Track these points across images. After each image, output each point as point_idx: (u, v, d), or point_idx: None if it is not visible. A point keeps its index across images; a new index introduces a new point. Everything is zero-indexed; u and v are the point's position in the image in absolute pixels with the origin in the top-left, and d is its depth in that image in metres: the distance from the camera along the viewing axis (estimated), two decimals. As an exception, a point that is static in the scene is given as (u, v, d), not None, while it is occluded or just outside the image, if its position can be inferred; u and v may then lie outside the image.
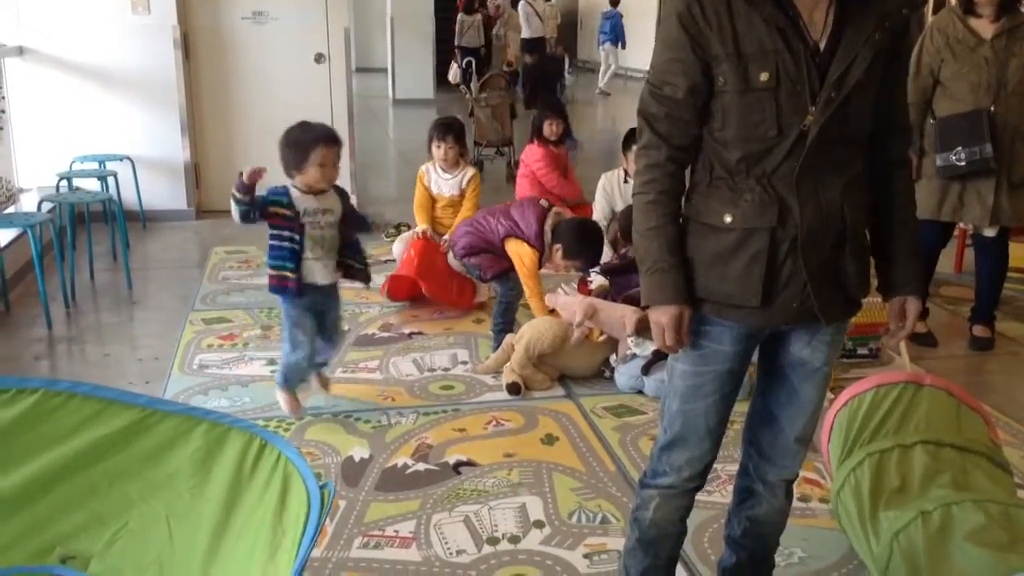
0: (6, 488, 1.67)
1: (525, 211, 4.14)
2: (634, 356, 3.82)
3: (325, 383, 3.67)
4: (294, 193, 3.23)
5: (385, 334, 4.38)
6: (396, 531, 2.73)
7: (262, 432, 1.78)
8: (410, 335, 4.38)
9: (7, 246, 5.02)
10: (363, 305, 4.80)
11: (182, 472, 1.73)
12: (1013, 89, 3.89)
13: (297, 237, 3.22)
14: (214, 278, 5.31)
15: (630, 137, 4.98)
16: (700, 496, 2.94)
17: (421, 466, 3.13)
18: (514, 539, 2.70)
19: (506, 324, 4.18)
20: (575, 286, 4.92)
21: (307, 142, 3.20)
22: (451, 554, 2.62)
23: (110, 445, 1.73)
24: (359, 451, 3.21)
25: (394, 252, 5.24)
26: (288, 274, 3.26)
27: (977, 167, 3.89)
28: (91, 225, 5.71)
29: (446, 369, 3.98)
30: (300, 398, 3.53)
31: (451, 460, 3.17)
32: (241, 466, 1.73)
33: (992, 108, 3.88)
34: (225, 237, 6.26)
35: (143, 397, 1.80)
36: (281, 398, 3.46)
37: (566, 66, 15.04)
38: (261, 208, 3.18)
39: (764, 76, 1.73)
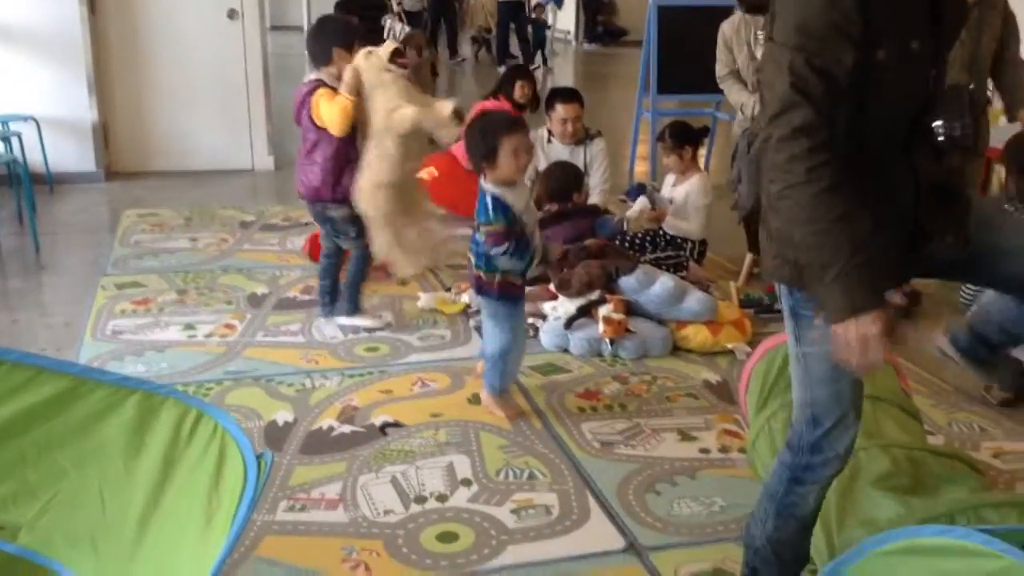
0: None
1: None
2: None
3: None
4: (506, 197, 2.93)
5: (307, 297, 4.31)
6: (322, 494, 2.71)
7: (198, 402, 1.74)
8: (332, 297, 4.31)
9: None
10: (284, 268, 4.71)
11: (115, 442, 1.68)
12: (983, 65, 3.91)
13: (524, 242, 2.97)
14: (126, 242, 5.14)
15: (554, 96, 4.97)
16: (624, 450, 3.02)
17: (347, 428, 3.10)
18: (442, 497, 2.71)
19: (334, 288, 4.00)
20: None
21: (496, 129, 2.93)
22: (378, 514, 2.61)
23: (40, 414, 1.68)
24: (283, 414, 3.17)
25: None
26: (516, 279, 3.06)
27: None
28: (-5, 188, 5.48)
29: (370, 331, 3.95)
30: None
31: (377, 421, 3.15)
32: (176, 436, 1.69)
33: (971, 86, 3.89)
34: (136, 199, 6.07)
35: (76, 366, 1.75)
36: (497, 405, 3.18)
37: (547, 28, 14.90)
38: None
39: (915, 44, 1.64)
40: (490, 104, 5.84)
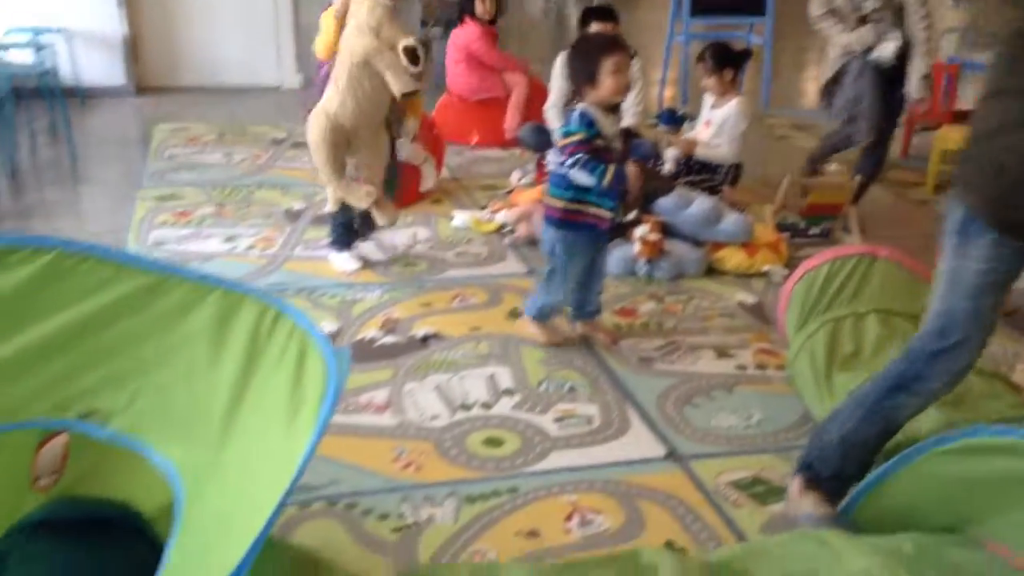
0: (23, 344, 1.65)
1: None
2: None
3: (605, 331, 3.25)
4: (596, 115, 2.88)
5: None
6: (370, 399, 2.79)
7: (276, 302, 1.76)
8: (368, 214, 4.34)
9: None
10: (318, 185, 4.72)
11: (199, 335, 1.71)
12: None
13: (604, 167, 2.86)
14: (160, 155, 5.17)
15: (588, 14, 4.90)
16: (662, 365, 3.08)
17: (389, 339, 3.17)
18: (486, 405, 2.78)
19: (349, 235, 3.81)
20: (530, 167, 4.93)
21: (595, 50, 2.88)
22: (425, 419, 2.69)
23: (125, 307, 1.71)
24: (327, 324, 3.23)
25: None
26: (594, 210, 2.96)
27: None
28: (26, 101, 5.48)
29: (408, 246, 3.99)
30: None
31: (419, 333, 3.21)
32: (256, 333, 1.71)
33: None
34: (167, 114, 6.08)
35: (157, 263, 1.77)
36: (532, 327, 3.16)
37: None
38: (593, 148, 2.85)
39: None
40: (459, 30, 5.77)
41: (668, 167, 4.38)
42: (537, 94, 5.39)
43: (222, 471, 1.60)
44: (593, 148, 2.86)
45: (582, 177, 2.87)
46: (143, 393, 1.69)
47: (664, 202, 3.85)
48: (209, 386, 1.68)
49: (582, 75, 2.91)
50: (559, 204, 2.97)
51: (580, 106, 2.91)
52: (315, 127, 3.48)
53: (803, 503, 2.17)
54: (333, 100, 3.45)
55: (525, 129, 5.15)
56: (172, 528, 1.58)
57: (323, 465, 2.39)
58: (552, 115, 4.90)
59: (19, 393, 1.69)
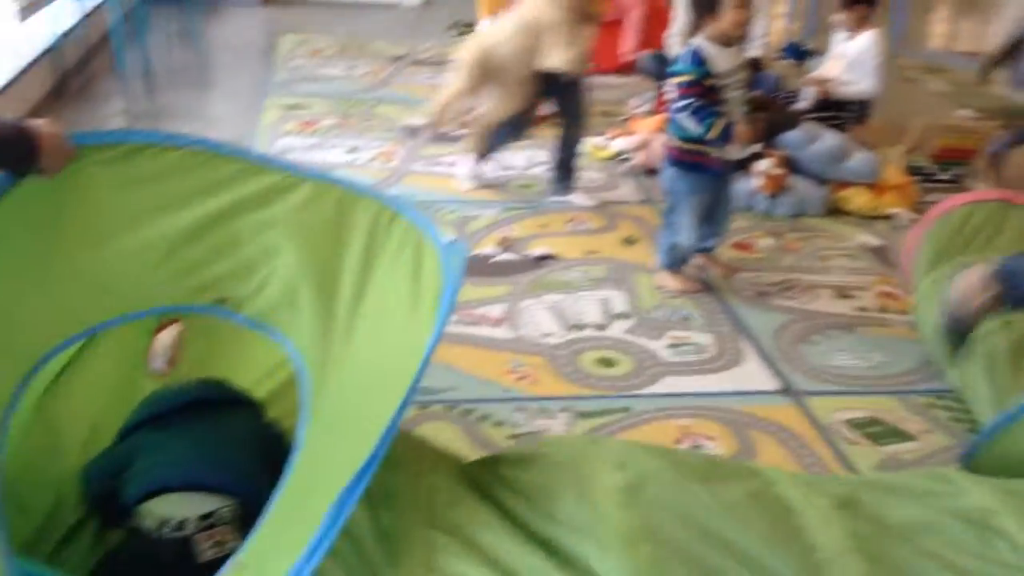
0: (160, 233, 1.74)
1: None
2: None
3: (720, 263, 3.19)
4: (709, 51, 2.80)
5: (464, 132, 4.37)
6: (486, 312, 2.84)
7: (393, 201, 1.82)
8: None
9: (84, 19, 4.99)
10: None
11: (320, 230, 1.78)
12: None
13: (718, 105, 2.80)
14: (285, 66, 5.27)
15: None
16: (780, 301, 3.05)
17: (505, 256, 3.21)
18: (599, 327, 2.80)
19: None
20: (649, 95, 4.85)
21: None
22: (540, 336, 2.73)
23: (253, 202, 1.77)
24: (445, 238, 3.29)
25: None
26: (709, 150, 2.88)
27: None
28: (160, 5, 5.65)
29: (525, 168, 4.00)
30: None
31: (534, 253, 3.24)
32: (374, 230, 1.78)
33: None
34: (292, 25, 6.17)
35: (283, 161, 1.84)
36: (668, 280, 3.07)
37: None
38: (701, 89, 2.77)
39: None
40: None
41: (802, 105, 4.24)
42: (657, 16, 5.25)
43: (347, 360, 1.67)
44: (703, 90, 2.77)
45: (690, 124, 2.79)
46: (270, 282, 1.76)
47: (790, 136, 3.75)
48: (332, 278, 1.74)
49: (704, 5, 2.81)
50: (677, 143, 2.91)
51: (694, 41, 2.83)
52: (473, 52, 3.55)
53: (979, 293, 2.22)
54: (503, 32, 3.51)
55: (646, 57, 5.04)
56: (299, 414, 1.66)
57: (441, 371, 2.46)
58: (675, 43, 4.79)
59: (157, 279, 1.78)
